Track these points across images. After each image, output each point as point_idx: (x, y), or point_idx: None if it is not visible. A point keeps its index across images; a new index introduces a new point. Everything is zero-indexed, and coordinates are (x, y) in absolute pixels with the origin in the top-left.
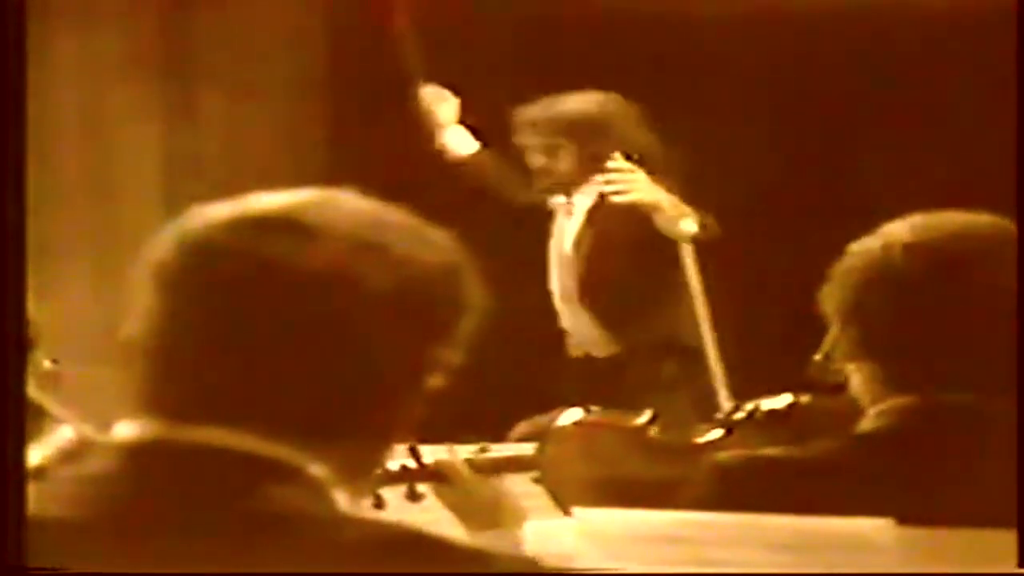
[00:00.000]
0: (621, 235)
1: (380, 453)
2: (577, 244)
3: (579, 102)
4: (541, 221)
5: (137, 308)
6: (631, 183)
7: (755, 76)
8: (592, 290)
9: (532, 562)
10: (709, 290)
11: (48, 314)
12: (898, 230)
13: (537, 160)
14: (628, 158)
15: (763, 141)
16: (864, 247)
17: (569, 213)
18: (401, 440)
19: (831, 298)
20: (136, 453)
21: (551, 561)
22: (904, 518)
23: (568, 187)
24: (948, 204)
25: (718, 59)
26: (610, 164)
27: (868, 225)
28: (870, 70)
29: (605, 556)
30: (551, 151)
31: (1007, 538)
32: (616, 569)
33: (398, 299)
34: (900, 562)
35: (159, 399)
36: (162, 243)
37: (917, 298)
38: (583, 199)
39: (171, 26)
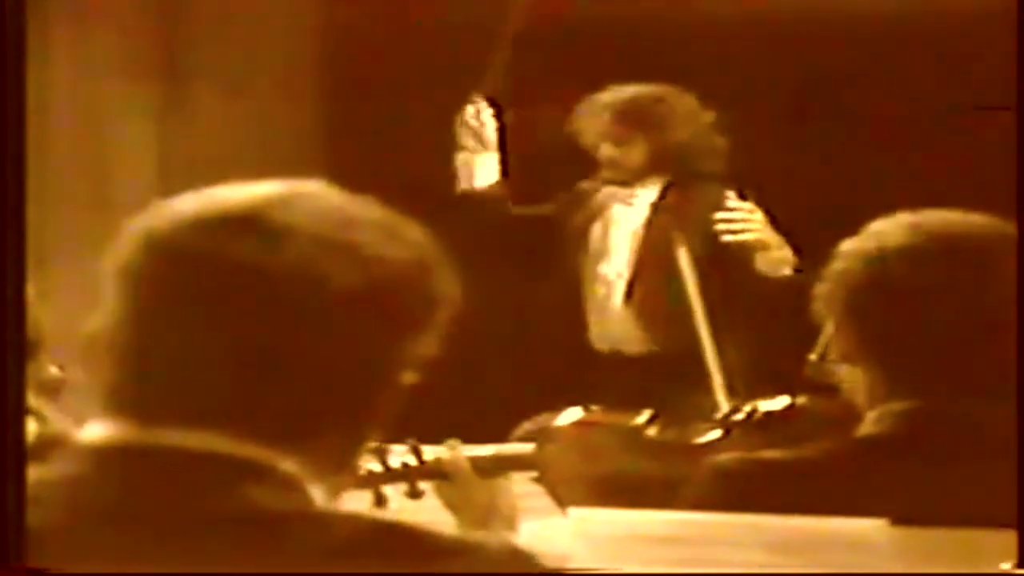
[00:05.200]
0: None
1: (355, 449)
2: (638, 236)
3: (657, 94)
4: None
5: (103, 306)
6: (749, 223)
7: (753, 77)
8: (641, 286)
9: (517, 551)
10: (708, 290)
11: (46, 317)
12: (889, 230)
13: (606, 149)
14: (742, 197)
15: (762, 140)
16: (855, 247)
17: (629, 203)
18: (376, 436)
19: (825, 299)
20: (104, 455)
21: (548, 561)
22: (901, 521)
23: (632, 181)
24: (947, 205)
25: (713, 61)
26: (729, 204)
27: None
28: (870, 70)
29: (602, 556)
30: (622, 141)
31: (1007, 538)
32: (613, 569)
33: (368, 296)
34: (898, 562)
35: (126, 400)
36: (127, 240)
37: (911, 300)
38: (646, 193)
39: (170, 25)
